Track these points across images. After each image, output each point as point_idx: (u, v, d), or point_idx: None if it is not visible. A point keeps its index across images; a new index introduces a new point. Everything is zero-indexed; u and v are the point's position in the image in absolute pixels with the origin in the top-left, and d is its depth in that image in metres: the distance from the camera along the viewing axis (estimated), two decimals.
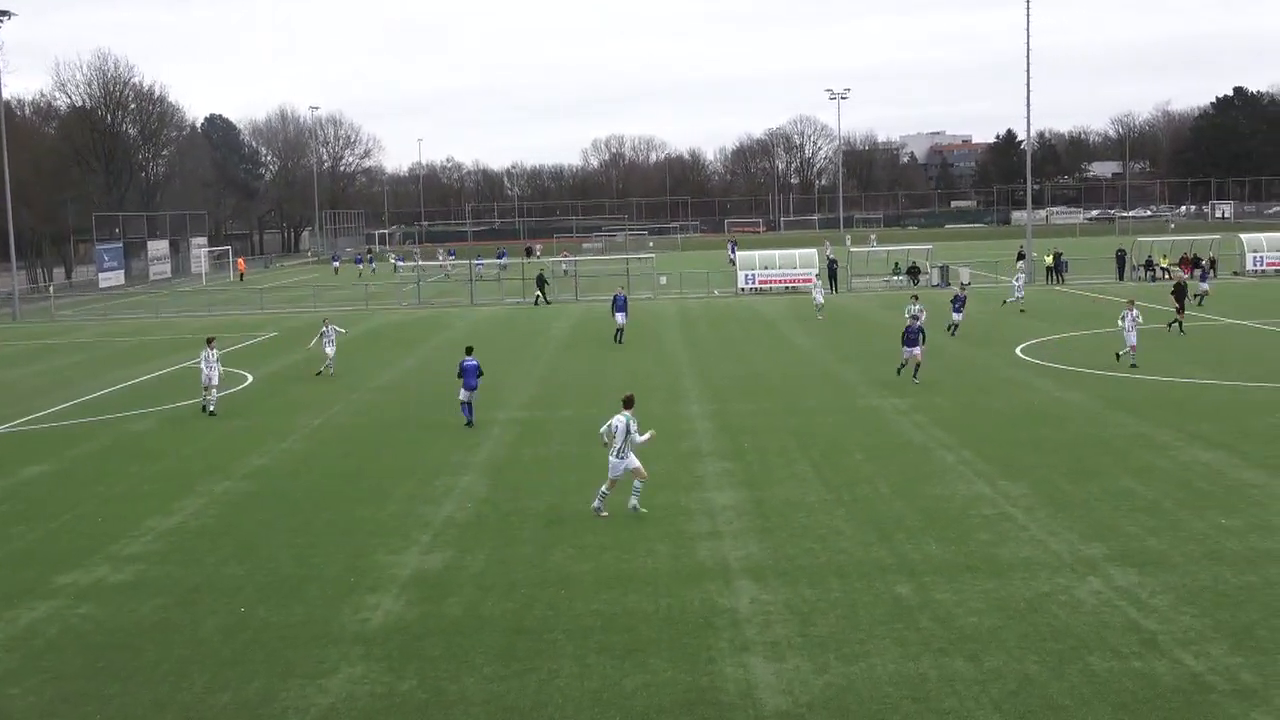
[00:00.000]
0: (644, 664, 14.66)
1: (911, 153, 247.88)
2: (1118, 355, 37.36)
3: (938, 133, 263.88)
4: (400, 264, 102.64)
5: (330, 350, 41.22)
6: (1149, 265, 75.06)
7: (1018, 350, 41.77)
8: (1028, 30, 76.52)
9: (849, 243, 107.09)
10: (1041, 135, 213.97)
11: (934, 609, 16.12)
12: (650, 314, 61.94)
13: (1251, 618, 15.33)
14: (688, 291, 76.13)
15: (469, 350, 32.19)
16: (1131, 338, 36.85)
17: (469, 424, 30.69)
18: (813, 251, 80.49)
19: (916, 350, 35.25)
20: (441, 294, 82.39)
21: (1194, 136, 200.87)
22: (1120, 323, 37.66)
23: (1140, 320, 37.45)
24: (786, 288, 75.07)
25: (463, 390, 31.04)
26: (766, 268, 76.93)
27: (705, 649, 15.06)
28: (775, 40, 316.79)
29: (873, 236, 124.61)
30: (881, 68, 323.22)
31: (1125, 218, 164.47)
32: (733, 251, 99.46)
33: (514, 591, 17.56)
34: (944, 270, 76.05)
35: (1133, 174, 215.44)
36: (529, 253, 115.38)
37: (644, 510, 21.34)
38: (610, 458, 21.16)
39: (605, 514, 21.32)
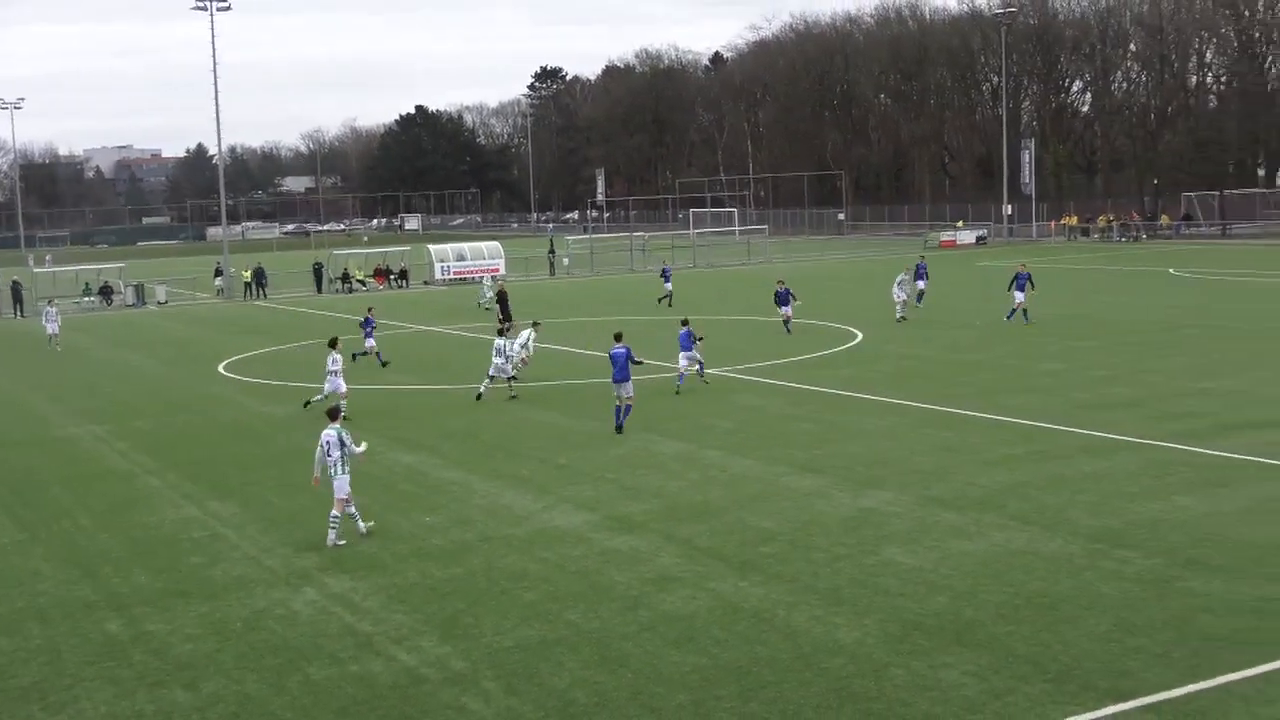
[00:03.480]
0: None
1: (98, 167, 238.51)
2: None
3: (126, 146, 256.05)
4: None
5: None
6: (345, 278, 77.83)
7: (220, 367, 41.55)
8: (213, 43, 76.20)
9: (31, 263, 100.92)
10: (234, 150, 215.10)
11: (147, 641, 15.61)
12: None
13: (457, 608, 16.36)
14: None
15: None
16: (503, 365, 33.30)
17: None
18: None
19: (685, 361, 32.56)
20: None
21: (382, 152, 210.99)
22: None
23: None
24: None
25: None
26: None
27: None
28: None
29: (48, 256, 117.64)
30: (59, 77, 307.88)
31: (320, 232, 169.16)
32: None
33: None
34: (139, 290, 73.90)
35: (326, 189, 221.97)
36: None
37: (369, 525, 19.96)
38: (335, 478, 19.37)
39: (343, 542, 19.39)
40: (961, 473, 22.47)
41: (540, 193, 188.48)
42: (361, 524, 19.89)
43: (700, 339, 33.13)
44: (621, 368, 27.57)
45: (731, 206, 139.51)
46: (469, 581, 17.48)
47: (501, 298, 46.62)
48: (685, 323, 33.50)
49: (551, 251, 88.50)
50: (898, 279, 47.02)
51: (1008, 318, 43.54)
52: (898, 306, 46.16)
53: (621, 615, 15.79)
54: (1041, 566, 16.93)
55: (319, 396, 31.31)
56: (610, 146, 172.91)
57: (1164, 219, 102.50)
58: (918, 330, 43.68)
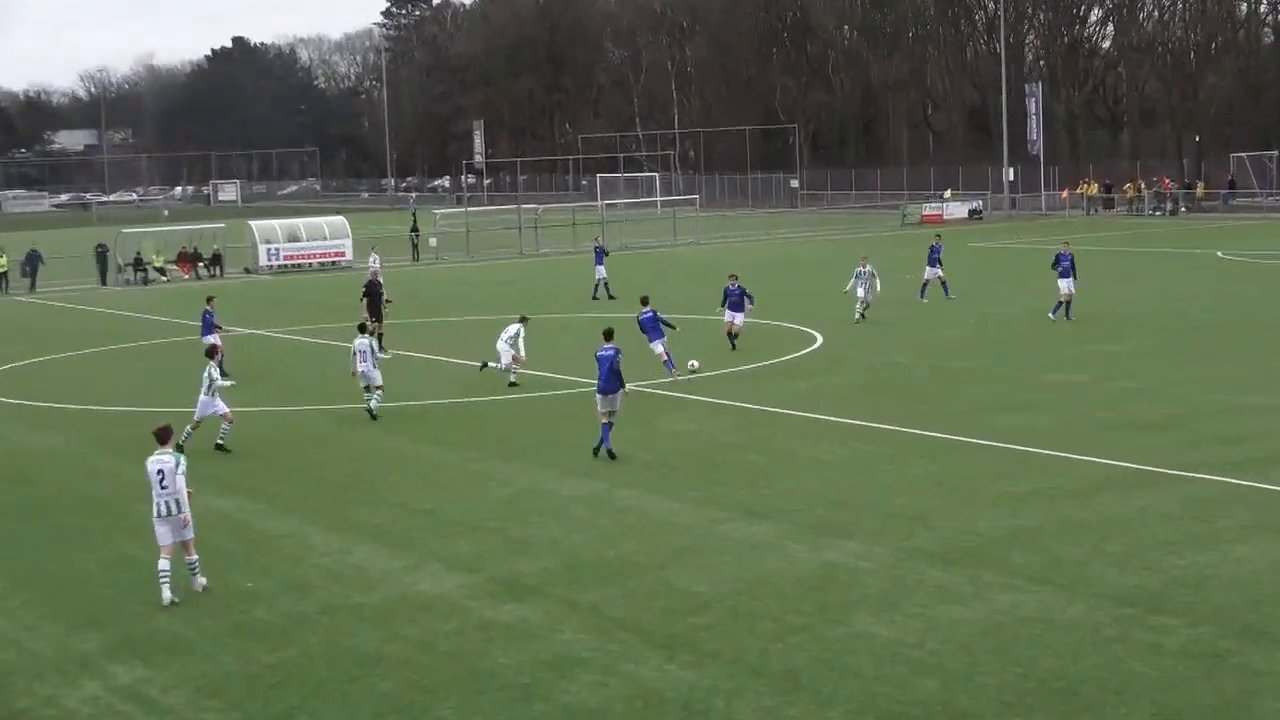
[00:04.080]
0: None
1: None
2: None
3: None
4: None
5: None
6: (139, 265, 76.69)
7: None
8: None
9: None
10: None
11: None
12: None
13: (289, 703, 16.11)
14: None
15: None
16: (369, 370, 32.75)
17: None
18: None
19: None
20: None
21: (187, 99, 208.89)
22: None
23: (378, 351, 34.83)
24: None
25: None
26: None
27: None
28: None
29: None
30: None
31: (106, 204, 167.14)
32: None
33: None
34: None
35: (113, 146, 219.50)
36: None
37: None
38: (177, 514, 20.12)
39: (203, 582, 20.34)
40: (951, 516, 22.56)
41: (399, 152, 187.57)
42: (167, 590, 19.67)
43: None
44: (608, 375, 27.56)
45: (651, 170, 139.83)
46: (305, 667, 17.25)
47: (371, 289, 45.82)
48: (645, 302, 35.77)
49: (414, 230, 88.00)
50: (856, 271, 47.25)
51: (1067, 316, 43.87)
52: (858, 304, 46.35)
53: (509, 709, 15.66)
54: (1057, 639, 17.01)
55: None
56: (491, 92, 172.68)
57: (1200, 187, 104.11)
58: (891, 330, 43.95)
